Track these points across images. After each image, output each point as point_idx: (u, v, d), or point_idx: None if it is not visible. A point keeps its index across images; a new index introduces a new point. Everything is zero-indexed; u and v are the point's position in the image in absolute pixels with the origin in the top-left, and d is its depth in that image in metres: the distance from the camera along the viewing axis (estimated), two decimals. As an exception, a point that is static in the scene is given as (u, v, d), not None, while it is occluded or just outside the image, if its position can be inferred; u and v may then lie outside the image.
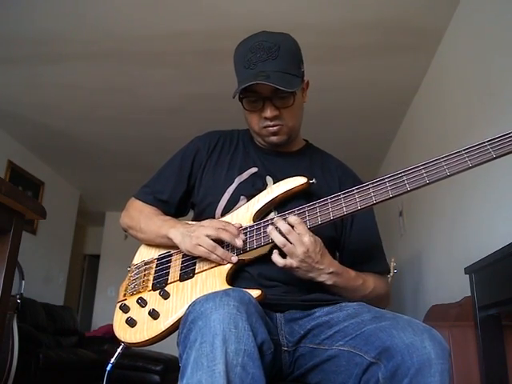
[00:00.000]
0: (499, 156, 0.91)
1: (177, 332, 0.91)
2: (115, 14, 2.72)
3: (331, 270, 1.02)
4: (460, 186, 2.50)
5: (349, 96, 3.55)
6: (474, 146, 0.93)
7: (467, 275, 1.70)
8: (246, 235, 1.05)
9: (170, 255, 1.13)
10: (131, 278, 1.13)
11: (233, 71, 1.18)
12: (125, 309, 1.04)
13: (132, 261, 1.19)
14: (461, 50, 2.60)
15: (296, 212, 1.03)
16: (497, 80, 2.14)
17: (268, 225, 1.04)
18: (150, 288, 1.07)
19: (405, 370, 0.79)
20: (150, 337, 0.97)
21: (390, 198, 0.97)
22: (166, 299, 1.02)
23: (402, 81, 3.31)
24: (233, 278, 1.04)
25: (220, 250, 1.02)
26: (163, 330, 0.97)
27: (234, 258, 1.03)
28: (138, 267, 1.15)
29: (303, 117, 1.23)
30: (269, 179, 1.17)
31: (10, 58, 3.19)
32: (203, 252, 1.03)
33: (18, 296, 3.02)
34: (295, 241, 0.97)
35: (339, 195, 1.02)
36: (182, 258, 1.10)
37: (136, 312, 1.03)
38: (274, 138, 1.17)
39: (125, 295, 1.10)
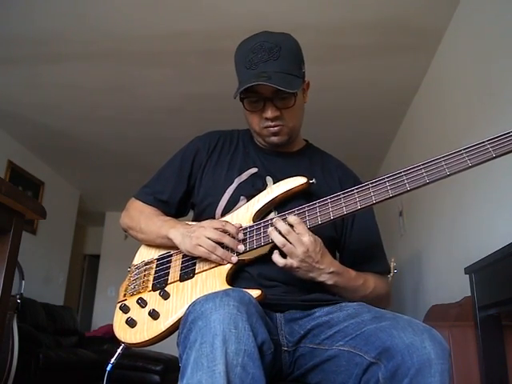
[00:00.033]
0: (499, 155, 0.91)
1: (177, 332, 0.91)
2: (115, 14, 2.72)
3: (332, 270, 1.02)
4: (460, 185, 2.50)
5: (349, 96, 3.55)
6: (473, 146, 0.93)
7: (467, 275, 1.70)
8: (245, 235, 1.05)
9: (170, 255, 1.13)
10: (131, 279, 1.13)
11: (233, 71, 1.18)
12: (125, 309, 1.04)
13: (132, 261, 1.19)
14: (461, 50, 2.60)
15: (296, 212, 1.03)
16: (497, 80, 2.14)
17: (268, 225, 1.04)
18: (150, 288, 1.07)
19: (405, 370, 0.79)
20: (150, 337, 0.97)
21: (390, 197, 0.97)
22: (166, 299, 1.02)
23: (402, 81, 3.31)
24: (233, 278, 1.04)
25: (220, 250, 1.02)
26: (163, 330, 0.97)
27: (234, 258, 1.03)
28: (138, 267, 1.15)
29: (303, 117, 1.23)
30: (269, 179, 1.17)
31: (9, 58, 3.19)
32: (203, 252, 1.03)
33: (18, 296, 3.02)
34: (295, 241, 0.97)
35: (339, 195, 1.02)
36: (182, 258, 1.10)
37: (136, 312, 1.03)
38: (274, 139, 1.17)
39: (125, 295, 1.10)
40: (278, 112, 1.12)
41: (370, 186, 0.99)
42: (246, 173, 1.19)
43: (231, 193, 1.15)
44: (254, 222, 1.08)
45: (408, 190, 0.96)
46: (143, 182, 1.31)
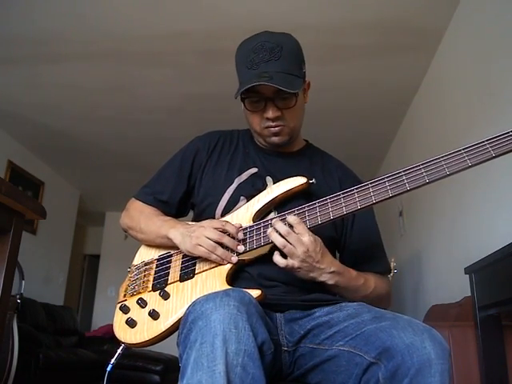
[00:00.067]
0: (499, 155, 0.91)
1: (177, 332, 0.91)
2: (115, 14, 2.72)
3: (332, 270, 1.02)
4: (460, 185, 2.50)
5: (349, 96, 3.55)
6: (473, 145, 0.93)
7: (467, 275, 1.70)
8: (245, 235, 1.05)
9: (170, 256, 1.13)
10: (131, 279, 1.13)
11: (233, 71, 1.18)
12: (125, 309, 1.04)
13: (132, 261, 1.19)
14: (461, 50, 2.60)
15: (296, 212, 1.03)
16: (497, 80, 2.14)
17: (268, 225, 1.04)
18: (150, 288, 1.07)
19: (405, 370, 0.79)
20: (150, 337, 0.97)
21: (390, 197, 0.97)
22: (166, 300, 1.02)
23: (402, 81, 3.31)
24: (233, 278, 1.04)
25: (220, 250, 1.02)
26: (163, 330, 0.97)
27: (234, 258, 1.03)
28: (137, 268, 1.15)
29: (304, 117, 1.23)
30: (269, 179, 1.17)
31: (9, 58, 3.19)
32: (203, 252, 1.03)
33: (18, 296, 3.02)
34: (295, 241, 0.97)
35: (339, 195, 1.02)
36: (182, 258, 1.10)
37: (136, 313, 1.03)
38: (275, 139, 1.17)
39: (125, 296, 1.10)
40: (279, 112, 1.12)
41: (370, 185, 0.99)
42: (245, 173, 1.19)
43: (231, 193, 1.15)
44: (253, 222, 1.08)
45: (408, 190, 0.96)
46: (143, 182, 1.31)
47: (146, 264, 1.15)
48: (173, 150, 1.31)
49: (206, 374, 0.72)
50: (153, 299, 1.04)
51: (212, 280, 1.02)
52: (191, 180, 1.24)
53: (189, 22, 2.77)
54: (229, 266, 1.03)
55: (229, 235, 1.04)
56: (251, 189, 1.15)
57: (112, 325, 1.05)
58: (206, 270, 1.04)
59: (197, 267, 1.06)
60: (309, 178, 1.10)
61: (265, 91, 1.09)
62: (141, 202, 1.25)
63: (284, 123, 1.15)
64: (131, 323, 1.00)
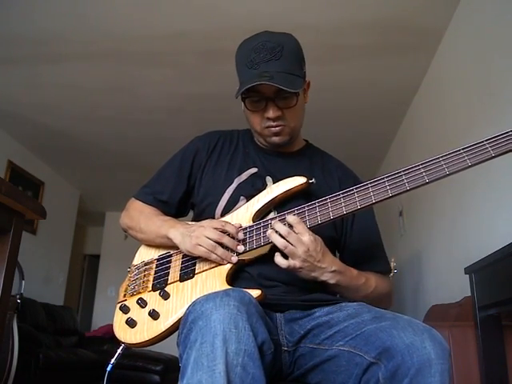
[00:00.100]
0: (498, 155, 0.91)
1: (177, 332, 0.91)
2: (115, 14, 2.72)
3: (334, 269, 1.02)
4: (460, 185, 2.50)
5: (349, 96, 3.55)
6: (473, 145, 0.93)
7: (467, 275, 1.70)
8: (245, 235, 1.05)
9: (170, 255, 1.13)
10: (131, 279, 1.13)
11: (233, 71, 1.18)
12: (125, 309, 1.04)
13: (132, 261, 1.19)
14: (461, 50, 2.60)
15: (295, 212, 1.03)
16: (497, 80, 2.14)
17: (268, 225, 1.04)
18: (150, 288, 1.07)
19: (405, 370, 0.79)
20: (150, 337, 0.97)
21: (390, 197, 0.97)
22: (166, 300, 1.02)
23: (402, 81, 3.30)
24: (233, 278, 1.04)
25: (220, 250, 1.02)
26: (163, 330, 0.97)
27: (234, 258, 1.03)
28: (137, 268, 1.15)
29: (304, 117, 1.23)
30: (269, 179, 1.17)
31: (10, 58, 3.19)
32: (203, 252, 1.03)
33: (18, 296, 3.02)
34: (295, 241, 0.97)
35: (339, 195, 1.02)
36: (182, 258, 1.09)
37: (136, 313, 1.03)
38: (276, 139, 1.17)
39: (125, 296, 1.10)
40: (279, 112, 1.12)
41: (370, 185, 0.99)
42: (245, 173, 1.19)
43: (231, 193, 1.15)
44: (253, 222, 1.08)
45: (407, 190, 0.96)
46: (143, 182, 1.31)
47: (145, 264, 1.15)
48: (173, 150, 1.31)
49: (206, 373, 0.72)
50: (153, 299, 1.04)
51: (212, 280, 1.02)
52: (191, 180, 1.24)
53: (189, 22, 2.77)
54: (229, 265, 1.03)
55: (229, 235, 1.04)
56: (251, 189, 1.15)
57: (112, 325, 1.05)
58: (206, 269, 1.04)
59: (197, 267, 1.06)
60: (308, 178, 1.10)
61: (266, 91, 1.09)
62: (140, 202, 1.25)
63: (285, 123, 1.15)
64: (131, 323, 1.00)
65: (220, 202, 1.15)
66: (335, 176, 1.23)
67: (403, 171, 0.97)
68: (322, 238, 1.02)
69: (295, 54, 1.14)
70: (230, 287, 0.97)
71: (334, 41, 2.90)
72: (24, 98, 3.75)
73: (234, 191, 1.15)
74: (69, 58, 3.15)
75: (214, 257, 1.02)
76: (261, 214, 1.11)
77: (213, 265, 1.04)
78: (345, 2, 2.59)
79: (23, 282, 3.18)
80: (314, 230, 1.01)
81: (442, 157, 0.95)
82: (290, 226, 0.99)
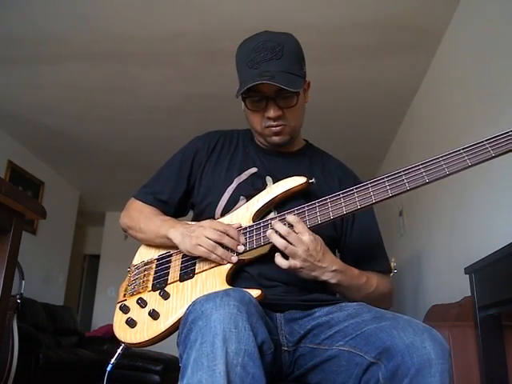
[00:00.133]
0: (498, 155, 0.91)
1: (177, 332, 0.91)
2: (115, 15, 2.72)
3: (334, 268, 1.02)
4: (460, 185, 2.50)
5: (349, 96, 3.55)
6: (472, 145, 0.93)
7: (467, 275, 1.70)
8: (245, 235, 1.05)
9: (170, 255, 1.13)
10: (131, 279, 1.13)
11: (233, 71, 1.18)
12: (125, 309, 1.04)
13: (132, 261, 1.19)
14: (461, 50, 2.60)
15: (295, 212, 1.03)
16: (497, 80, 2.14)
17: (268, 225, 1.04)
18: (150, 288, 1.07)
19: (405, 370, 0.79)
20: (150, 337, 0.97)
21: (390, 197, 0.97)
22: (165, 299, 1.02)
23: (402, 81, 3.31)
24: (233, 278, 1.04)
25: (220, 250, 1.02)
26: (163, 330, 0.97)
27: (234, 258, 1.03)
28: (137, 268, 1.15)
29: (304, 117, 1.23)
30: (268, 179, 1.17)
31: (9, 58, 3.19)
32: (203, 252, 1.02)
33: (18, 296, 3.02)
34: (295, 241, 0.97)
35: (339, 195, 1.02)
36: (182, 258, 1.09)
37: (136, 312, 1.03)
38: (276, 138, 1.17)
39: (125, 296, 1.10)
40: (280, 111, 1.12)
41: (370, 185, 0.99)
42: (245, 173, 1.18)
43: (231, 193, 1.15)
44: (253, 222, 1.08)
45: (407, 190, 0.96)
46: (143, 182, 1.31)
47: (145, 264, 1.15)
48: (173, 150, 1.31)
49: (206, 373, 0.72)
50: (153, 299, 1.04)
51: (212, 280, 1.02)
52: (191, 180, 1.24)
53: (189, 23, 2.77)
54: (229, 265, 1.03)
55: (228, 236, 1.04)
56: (251, 188, 1.15)
57: (112, 325, 1.05)
58: (206, 269, 1.04)
59: (197, 267, 1.06)
60: (308, 178, 1.10)
61: (266, 90, 1.09)
62: (140, 202, 1.25)
63: (285, 122, 1.15)
64: (131, 323, 1.00)
65: (220, 202, 1.15)
66: (335, 176, 1.23)
67: (403, 171, 0.97)
68: (322, 237, 1.02)
69: (295, 53, 1.14)
70: (230, 287, 0.97)
71: (334, 41, 2.90)
72: (24, 98, 3.75)
73: (233, 191, 1.15)
74: (69, 58, 3.15)
75: (213, 257, 1.02)
76: (261, 214, 1.11)
77: (213, 265, 1.04)
78: (345, 2, 2.59)
79: (23, 281, 3.18)
80: (314, 229, 1.01)
81: (441, 157, 0.95)
82: (290, 226, 0.99)
